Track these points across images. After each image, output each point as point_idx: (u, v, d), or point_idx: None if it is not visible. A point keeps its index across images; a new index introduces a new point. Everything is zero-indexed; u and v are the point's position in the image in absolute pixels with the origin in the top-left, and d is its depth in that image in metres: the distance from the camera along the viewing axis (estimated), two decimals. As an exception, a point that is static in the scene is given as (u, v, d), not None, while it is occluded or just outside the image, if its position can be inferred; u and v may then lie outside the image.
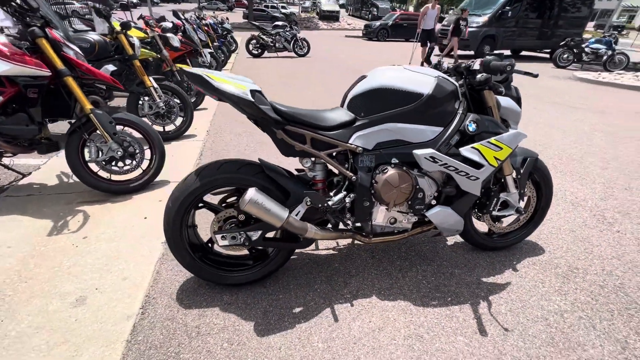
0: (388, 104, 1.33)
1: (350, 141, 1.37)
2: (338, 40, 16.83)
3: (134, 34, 3.45)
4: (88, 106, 2.09)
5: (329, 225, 1.54)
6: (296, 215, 1.38)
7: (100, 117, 2.11)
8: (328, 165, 1.45)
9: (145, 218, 2.08)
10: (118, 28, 2.99)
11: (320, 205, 1.38)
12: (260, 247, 1.60)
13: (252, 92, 1.23)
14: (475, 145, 1.38)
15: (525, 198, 1.80)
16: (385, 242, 1.58)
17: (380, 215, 1.49)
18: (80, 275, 1.61)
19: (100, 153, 2.20)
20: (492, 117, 1.46)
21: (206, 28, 7.41)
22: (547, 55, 12.37)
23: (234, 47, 10.35)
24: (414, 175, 1.41)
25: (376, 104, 1.34)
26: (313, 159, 1.43)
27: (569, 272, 1.75)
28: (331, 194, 1.44)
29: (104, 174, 2.30)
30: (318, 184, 1.47)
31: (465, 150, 1.38)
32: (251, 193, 1.23)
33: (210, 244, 1.58)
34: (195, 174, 1.35)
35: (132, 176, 2.36)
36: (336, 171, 1.49)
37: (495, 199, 1.63)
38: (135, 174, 2.37)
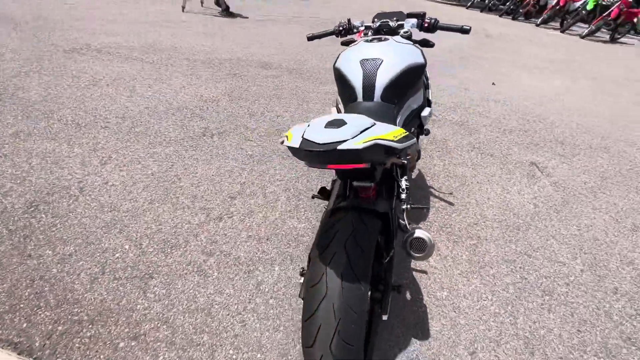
0: (410, 83, 1.29)
1: None
2: None
3: None
4: None
5: None
6: None
7: None
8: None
9: None
10: None
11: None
12: None
13: None
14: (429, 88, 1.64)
15: None
16: None
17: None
18: None
19: None
20: None
21: None
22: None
23: None
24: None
25: (403, 86, 1.27)
26: None
27: (474, 148, 2.45)
28: (402, 187, 1.24)
29: None
30: (369, 191, 1.14)
31: (430, 96, 1.61)
32: (425, 235, 1.00)
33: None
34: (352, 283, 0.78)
35: None
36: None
37: None
38: None
